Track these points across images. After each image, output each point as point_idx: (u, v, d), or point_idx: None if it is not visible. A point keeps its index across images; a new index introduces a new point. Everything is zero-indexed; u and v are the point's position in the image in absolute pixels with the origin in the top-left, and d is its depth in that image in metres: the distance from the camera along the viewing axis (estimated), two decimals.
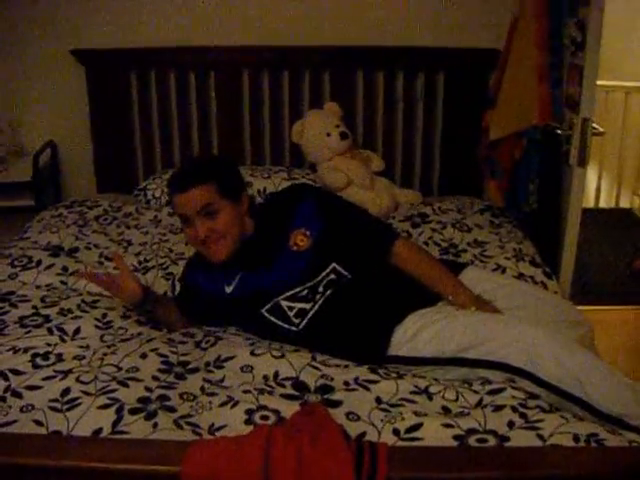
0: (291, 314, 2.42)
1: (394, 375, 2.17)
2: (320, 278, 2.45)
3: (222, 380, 2.15)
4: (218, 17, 4.00)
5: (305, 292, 2.43)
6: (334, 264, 2.48)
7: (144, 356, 2.26)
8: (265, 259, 2.53)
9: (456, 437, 1.83)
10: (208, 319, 2.61)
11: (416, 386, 2.10)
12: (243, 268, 2.53)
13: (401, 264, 2.52)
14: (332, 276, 2.46)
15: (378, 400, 2.03)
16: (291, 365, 2.19)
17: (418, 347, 2.21)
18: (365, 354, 2.28)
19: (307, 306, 2.41)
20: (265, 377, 2.15)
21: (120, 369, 2.18)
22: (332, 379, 2.13)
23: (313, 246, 2.51)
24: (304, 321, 2.39)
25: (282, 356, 2.25)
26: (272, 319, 2.44)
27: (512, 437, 1.82)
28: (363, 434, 1.85)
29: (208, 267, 2.58)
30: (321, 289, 2.43)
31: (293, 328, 2.40)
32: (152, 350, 2.30)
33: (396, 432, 1.87)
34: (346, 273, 2.47)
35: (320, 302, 2.41)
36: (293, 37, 3.98)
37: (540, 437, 1.81)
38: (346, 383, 2.12)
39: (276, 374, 2.16)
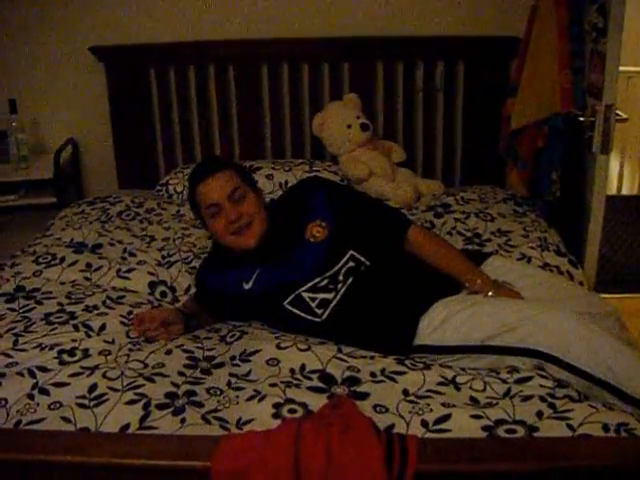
0: (313, 305, 2.41)
1: (420, 366, 2.16)
2: (339, 266, 2.46)
3: (248, 374, 2.15)
4: (237, 11, 4.00)
5: (325, 282, 2.43)
6: (351, 251, 2.49)
7: (169, 352, 2.27)
8: (282, 253, 2.54)
9: (485, 428, 1.82)
10: (230, 314, 2.63)
11: (443, 377, 2.10)
12: (260, 263, 2.54)
13: (416, 250, 2.55)
14: (351, 263, 2.46)
15: (405, 392, 2.02)
16: (317, 357, 2.19)
17: (445, 336, 2.20)
18: (391, 344, 2.27)
19: (329, 296, 2.41)
20: (292, 370, 2.15)
21: (146, 365, 2.19)
22: (358, 370, 2.13)
23: (329, 236, 2.53)
24: (327, 311, 2.39)
25: (308, 349, 2.24)
26: (295, 311, 2.43)
27: (541, 427, 1.81)
28: (391, 426, 1.85)
29: (221, 268, 2.63)
30: (341, 277, 2.44)
31: (316, 319, 2.40)
32: (177, 346, 2.31)
33: (424, 424, 1.86)
34: (364, 260, 2.47)
35: (342, 291, 2.41)
36: (311, 29, 3.97)
37: (570, 427, 1.80)
38: (372, 374, 2.12)
39: (302, 367, 2.16)
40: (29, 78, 4.12)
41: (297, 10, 3.99)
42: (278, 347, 2.26)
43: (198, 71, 4.05)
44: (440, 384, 2.06)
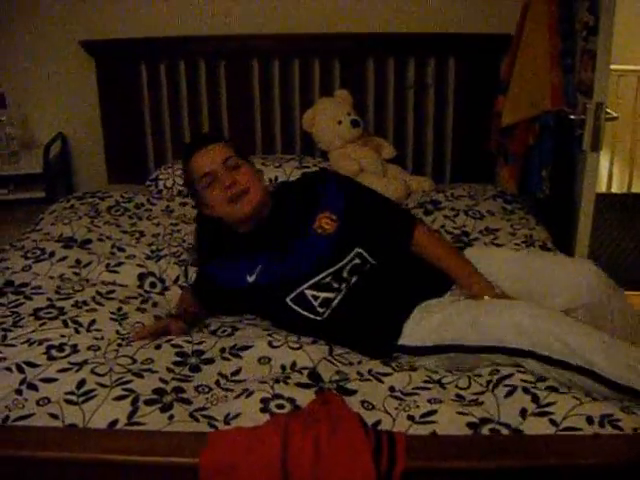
0: (316, 304, 2.39)
1: (406, 367, 2.19)
2: (345, 262, 2.43)
3: (238, 372, 2.15)
4: (228, 6, 3.99)
5: (329, 278, 2.41)
6: (358, 249, 2.46)
7: (158, 347, 2.26)
8: (286, 241, 2.51)
9: (470, 424, 1.83)
10: (228, 309, 2.61)
11: (429, 377, 2.12)
12: (264, 252, 2.50)
13: (420, 250, 2.51)
14: (357, 261, 2.44)
15: (392, 389, 2.04)
16: (308, 356, 2.20)
17: (422, 336, 2.22)
18: (376, 349, 2.30)
19: (331, 295, 2.39)
20: (283, 367, 2.15)
21: (135, 361, 2.18)
22: (347, 372, 2.14)
23: (339, 230, 2.50)
24: (328, 310, 2.38)
25: (300, 347, 2.25)
26: (297, 309, 2.41)
27: (525, 424, 1.82)
28: (378, 422, 1.86)
29: (223, 258, 2.58)
30: (346, 275, 2.42)
31: (318, 318, 2.38)
32: (167, 341, 2.30)
33: (411, 418, 1.88)
34: (370, 259, 2.46)
35: (344, 291, 2.40)
36: (303, 25, 3.97)
37: (553, 422, 1.81)
38: (360, 374, 2.13)
39: (293, 364, 2.16)
40: (19, 72, 4.10)
41: (288, 6, 3.99)
42: (270, 345, 2.26)
43: (189, 66, 4.04)
44: (426, 382, 2.08)
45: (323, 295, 2.39)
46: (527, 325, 2.01)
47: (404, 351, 2.24)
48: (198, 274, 2.76)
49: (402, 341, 2.25)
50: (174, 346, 2.27)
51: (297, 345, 2.26)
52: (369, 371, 2.15)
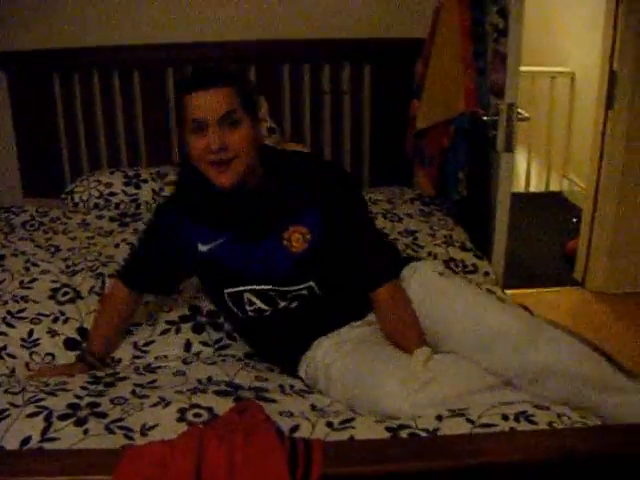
0: (248, 308, 2.30)
1: None
2: (293, 289, 2.26)
3: (153, 382, 2.13)
4: (138, 14, 3.95)
5: (273, 294, 2.27)
6: (312, 283, 2.27)
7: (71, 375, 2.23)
8: (258, 235, 2.27)
9: (389, 429, 1.82)
10: (160, 281, 2.47)
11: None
12: (230, 229, 2.28)
13: (374, 309, 2.30)
14: (304, 292, 2.28)
15: (312, 406, 2.03)
16: (224, 371, 2.19)
17: (315, 376, 2.22)
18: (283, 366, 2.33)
19: (265, 307, 2.29)
20: (199, 380, 2.13)
21: (48, 384, 2.12)
22: (266, 380, 2.14)
23: (305, 253, 2.25)
24: (255, 315, 2.31)
25: (214, 363, 2.25)
26: (229, 304, 2.32)
27: (442, 425, 1.82)
28: (296, 427, 1.85)
29: (186, 213, 2.33)
30: (288, 297, 2.27)
31: (241, 315, 2.33)
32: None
33: (329, 424, 1.87)
34: (319, 293, 2.28)
35: (279, 308, 2.29)
36: (215, 33, 3.96)
37: (469, 421, 1.81)
38: (281, 387, 2.13)
39: (209, 378, 2.15)
40: None
41: (198, 13, 3.97)
42: (184, 362, 2.27)
43: (102, 76, 3.99)
44: None
45: (259, 304, 2.29)
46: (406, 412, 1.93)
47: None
48: (149, 229, 2.51)
49: (301, 373, 2.27)
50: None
51: (211, 361, 2.27)
52: (291, 386, 2.14)
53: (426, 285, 2.32)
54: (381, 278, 2.28)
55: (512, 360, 2.05)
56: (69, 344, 2.52)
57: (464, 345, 2.14)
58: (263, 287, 2.27)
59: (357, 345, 2.20)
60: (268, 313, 2.30)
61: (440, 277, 2.39)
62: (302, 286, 2.26)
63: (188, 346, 2.47)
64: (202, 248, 2.30)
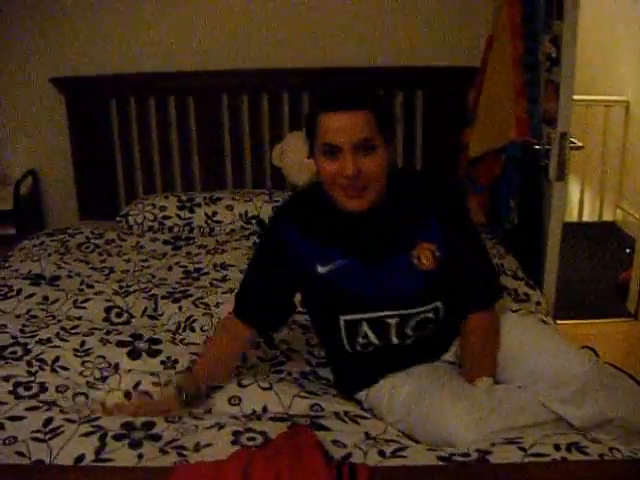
0: (359, 341, 2.18)
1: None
2: (420, 310, 2.16)
3: (209, 411, 2.15)
4: (196, 42, 4.02)
5: (393, 321, 2.15)
6: (439, 303, 2.18)
7: (127, 395, 2.25)
8: (383, 255, 2.15)
9: (441, 458, 1.81)
10: (285, 306, 2.30)
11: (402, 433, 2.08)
12: (351, 249, 2.15)
13: (465, 326, 2.22)
14: (430, 315, 2.17)
15: (367, 434, 2.01)
16: (279, 398, 2.17)
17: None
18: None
19: (377, 343, 2.18)
20: (253, 411, 2.13)
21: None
22: (322, 409, 2.13)
23: (435, 270, 2.14)
24: (360, 349, 2.20)
25: (270, 387, 2.21)
26: (342, 334, 2.19)
27: (494, 452, 1.80)
28: (349, 455, 1.84)
29: (308, 225, 2.19)
30: (409, 328, 2.16)
31: (349, 349, 2.21)
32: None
33: (381, 453, 1.86)
34: (441, 317, 2.19)
35: (390, 345, 2.18)
36: (272, 60, 4.01)
37: (521, 449, 1.80)
38: (336, 413, 2.11)
39: (264, 409, 2.14)
40: None
41: (255, 42, 4.02)
42: (239, 384, 2.23)
43: (158, 102, 4.06)
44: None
45: (372, 338, 2.17)
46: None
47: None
48: (265, 248, 2.31)
49: (360, 395, 2.25)
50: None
51: (267, 385, 2.23)
52: (346, 413, 2.12)
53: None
54: (488, 302, 2.24)
55: (570, 407, 2.03)
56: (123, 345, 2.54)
57: (524, 380, 2.12)
58: (387, 313, 2.15)
59: (426, 372, 2.17)
60: (373, 349, 2.19)
61: (512, 312, 2.38)
62: (430, 307, 2.16)
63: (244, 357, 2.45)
64: (321, 270, 2.16)
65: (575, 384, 2.02)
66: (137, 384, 2.29)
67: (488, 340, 2.21)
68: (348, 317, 2.16)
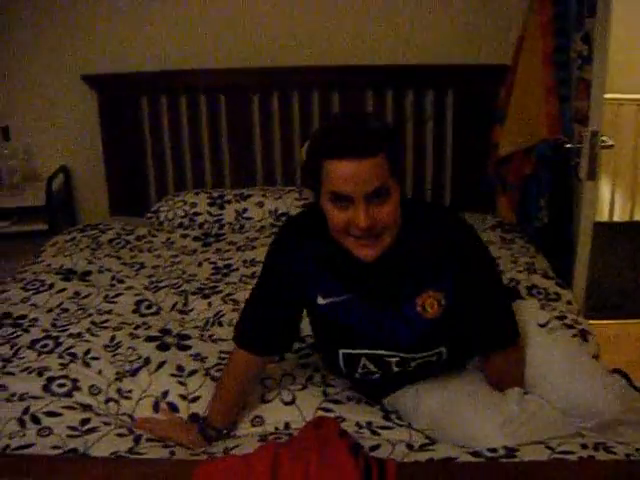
0: (359, 371, 2.12)
1: (407, 423, 2.14)
2: (422, 355, 2.08)
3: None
4: (227, 40, 4.03)
5: (394, 359, 2.07)
6: (443, 348, 2.09)
7: (155, 405, 2.26)
8: (392, 295, 2.04)
9: (470, 453, 1.81)
10: (291, 330, 2.19)
11: (428, 438, 2.07)
12: (356, 286, 2.04)
13: (488, 362, 2.15)
14: (432, 358, 2.09)
15: (388, 440, 2.00)
16: (300, 412, 2.16)
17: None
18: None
19: (377, 373, 2.12)
20: (276, 428, 2.13)
21: (134, 419, 2.21)
22: (344, 420, 2.11)
23: (440, 318, 2.03)
24: (360, 377, 2.15)
25: (292, 402, 2.20)
26: (340, 365, 2.13)
27: (521, 450, 1.80)
28: (377, 446, 1.87)
29: (317, 258, 2.05)
30: (411, 366, 2.09)
31: (347, 375, 2.20)
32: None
33: (409, 446, 1.88)
34: (445, 357, 2.11)
35: (390, 376, 2.13)
36: (302, 58, 4.01)
37: (549, 448, 1.80)
38: (358, 424, 2.10)
39: (286, 425, 2.13)
40: (22, 106, 4.15)
41: (287, 39, 4.03)
42: (262, 400, 2.22)
43: (189, 99, 4.08)
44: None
45: (372, 369, 2.10)
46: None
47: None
48: (272, 278, 2.14)
49: (386, 400, 2.22)
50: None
51: (290, 398, 2.21)
52: (368, 424, 2.11)
53: (525, 335, 2.20)
54: (506, 342, 2.11)
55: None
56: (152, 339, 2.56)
57: (548, 399, 2.08)
58: (384, 352, 2.06)
59: (453, 380, 2.14)
60: (376, 376, 2.13)
61: (540, 330, 2.29)
62: (432, 352, 2.07)
63: None
64: (321, 301, 2.05)
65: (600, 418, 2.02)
66: (165, 393, 2.29)
67: (513, 370, 2.15)
68: (346, 351, 2.09)
